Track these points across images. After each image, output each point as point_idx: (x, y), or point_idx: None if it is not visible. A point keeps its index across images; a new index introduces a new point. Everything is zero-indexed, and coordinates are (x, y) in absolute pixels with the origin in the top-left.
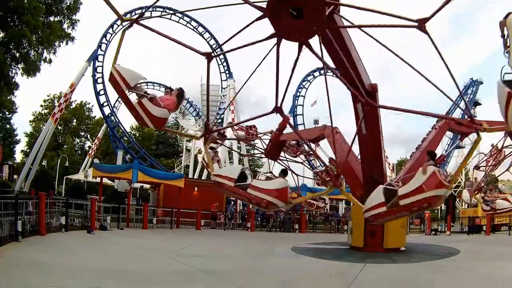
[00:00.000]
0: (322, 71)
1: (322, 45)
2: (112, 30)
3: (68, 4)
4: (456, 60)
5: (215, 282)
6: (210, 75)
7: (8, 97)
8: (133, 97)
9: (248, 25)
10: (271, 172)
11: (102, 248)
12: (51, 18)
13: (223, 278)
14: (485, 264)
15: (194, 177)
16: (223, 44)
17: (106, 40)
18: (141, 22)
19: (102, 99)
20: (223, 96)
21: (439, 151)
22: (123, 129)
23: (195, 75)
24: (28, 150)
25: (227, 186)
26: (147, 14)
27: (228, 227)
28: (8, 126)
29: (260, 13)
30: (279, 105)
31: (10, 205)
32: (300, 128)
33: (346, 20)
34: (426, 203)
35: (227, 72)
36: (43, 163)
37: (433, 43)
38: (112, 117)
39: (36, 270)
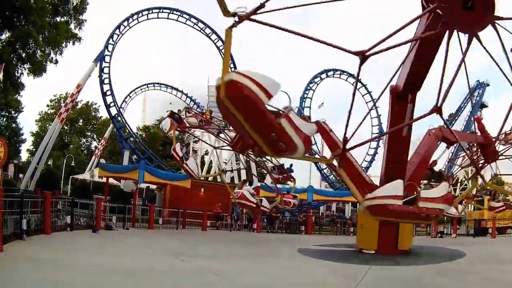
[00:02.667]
0: (329, 73)
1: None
2: (119, 31)
3: (75, 4)
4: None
5: (220, 282)
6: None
7: (14, 97)
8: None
9: (412, 21)
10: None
11: (107, 247)
12: (58, 19)
13: (228, 278)
14: (491, 267)
15: (201, 178)
16: (380, 42)
17: (113, 40)
18: (253, 17)
19: (109, 99)
20: None
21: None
22: (129, 129)
23: (202, 76)
24: (34, 149)
25: (256, 97)
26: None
27: (234, 228)
28: (14, 125)
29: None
30: (439, 105)
31: (15, 204)
32: None
33: None
34: (434, 214)
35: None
36: (49, 163)
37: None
38: (119, 118)
39: (40, 267)
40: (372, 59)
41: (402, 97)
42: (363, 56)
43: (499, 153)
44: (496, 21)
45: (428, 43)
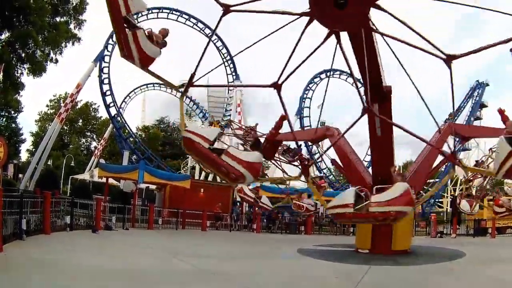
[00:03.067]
0: (328, 73)
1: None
2: None
3: (74, 4)
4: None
5: (220, 282)
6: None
7: (14, 97)
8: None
9: (301, 36)
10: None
11: (107, 248)
12: (57, 19)
13: (228, 278)
14: (491, 266)
15: (200, 178)
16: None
17: (112, 41)
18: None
19: (109, 99)
20: (230, 98)
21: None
22: (129, 129)
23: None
24: (33, 149)
25: (200, 147)
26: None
27: (233, 228)
28: (13, 125)
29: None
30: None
31: (15, 204)
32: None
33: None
34: (392, 216)
35: (234, 74)
36: (48, 163)
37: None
38: (118, 118)
39: (40, 268)
40: None
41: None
42: (276, 87)
43: None
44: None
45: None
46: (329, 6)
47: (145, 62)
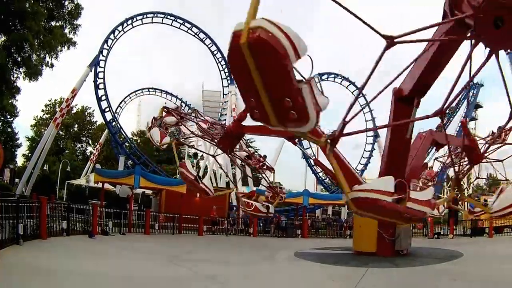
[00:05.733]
0: (323, 77)
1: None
2: (114, 36)
3: (70, 9)
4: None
5: (217, 286)
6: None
7: (10, 101)
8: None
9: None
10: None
11: (104, 253)
12: (53, 23)
13: (224, 283)
14: (489, 266)
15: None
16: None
17: (107, 45)
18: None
19: (104, 104)
20: (225, 102)
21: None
22: (124, 134)
23: (197, 81)
24: (29, 154)
25: (384, 202)
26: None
27: (230, 232)
28: (9, 130)
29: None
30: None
31: (11, 209)
32: None
33: None
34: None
35: (228, 78)
36: (44, 168)
37: None
38: (114, 123)
39: (37, 273)
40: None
41: (404, 100)
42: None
43: (484, 156)
44: None
45: (446, 50)
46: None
47: (318, 118)
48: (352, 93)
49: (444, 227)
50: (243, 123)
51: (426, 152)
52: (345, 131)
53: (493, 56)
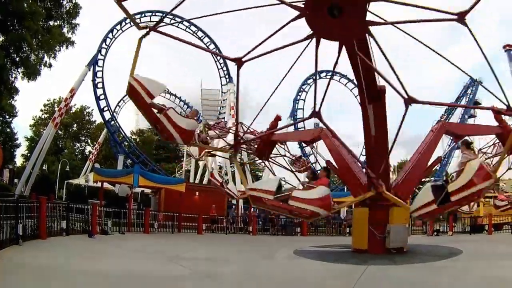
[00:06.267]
0: (322, 74)
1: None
2: (112, 35)
3: (68, 8)
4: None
5: (216, 285)
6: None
7: (9, 101)
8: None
9: (282, 27)
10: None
11: (104, 252)
12: (51, 23)
13: (225, 281)
14: (488, 263)
15: (195, 182)
16: (254, 48)
17: (106, 44)
18: (158, 29)
19: (103, 103)
20: (223, 100)
21: (439, 152)
22: (123, 134)
23: (196, 80)
24: (28, 154)
25: (266, 199)
26: (162, 20)
27: (229, 231)
28: (8, 130)
29: (296, 13)
30: (317, 109)
31: (11, 209)
32: None
33: (376, 15)
34: (476, 196)
35: (227, 76)
36: (43, 168)
37: (472, 35)
38: (113, 122)
39: (37, 273)
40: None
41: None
42: (239, 63)
43: None
44: (370, 28)
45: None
46: (326, 19)
47: (185, 135)
48: (351, 90)
49: (444, 224)
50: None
51: (435, 147)
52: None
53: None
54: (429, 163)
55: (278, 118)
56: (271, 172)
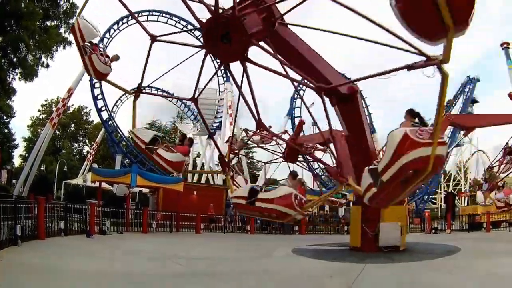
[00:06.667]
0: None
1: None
2: (109, 35)
3: (65, 8)
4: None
5: (216, 284)
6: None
7: (6, 102)
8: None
9: (188, 58)
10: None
11: (102, 252)
12: (48, 23)
13: (223, 280)
14: (487, 261)
15: (193, 181)
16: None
17: (103, 45)
18: (145, 91)
19: (100, 103)
20: (221, 99)
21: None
22: (121, 133)
23: (193, 79)
24: (26, 154)
25: (241, 205)
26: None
27: (228, 230)
28: (6, 130)
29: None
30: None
31: (9, 209)
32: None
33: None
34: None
35: (224, 75)
36: (41, 168)
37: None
38: (110, 122)
39: (36, 273)
40: (365, 55)
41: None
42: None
43: None
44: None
45: None
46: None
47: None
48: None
49: (442, 222)
50: None
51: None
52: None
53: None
54: None
55: (301, 123)
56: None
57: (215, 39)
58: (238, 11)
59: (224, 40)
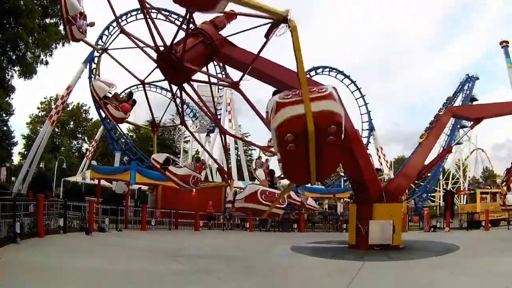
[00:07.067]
0: (318, 70)
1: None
2: (108, 32)
3: None
4: (453, 56)
5: (214, 282)
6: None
7: (5, 100)
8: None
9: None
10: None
11: (101, 250)
12: (47, 20)
13: (222, 278)
14: (485, 259)
15: None
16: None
17: (102, 41)
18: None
19: None
20: (220, 97)
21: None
22: (120, 131)
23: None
24: (25, 152)
25: (231, 208)
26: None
27: (226, 227)
28: (5, 128)
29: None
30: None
31: (9, 207)
32: None
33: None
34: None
35: (223, 73)
36: (40, 165)
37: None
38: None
39: (35, 271)
40: (366, 58)
41: None
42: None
43: None
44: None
45: None
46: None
47: (185, 181)
48: (347, 86)
49: (441, 220)
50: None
51: (438, 135)
52: None
53: None
54: (429, 159)
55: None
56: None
57: (166, 69)
58: (180, 50)
59: (173, 69)
